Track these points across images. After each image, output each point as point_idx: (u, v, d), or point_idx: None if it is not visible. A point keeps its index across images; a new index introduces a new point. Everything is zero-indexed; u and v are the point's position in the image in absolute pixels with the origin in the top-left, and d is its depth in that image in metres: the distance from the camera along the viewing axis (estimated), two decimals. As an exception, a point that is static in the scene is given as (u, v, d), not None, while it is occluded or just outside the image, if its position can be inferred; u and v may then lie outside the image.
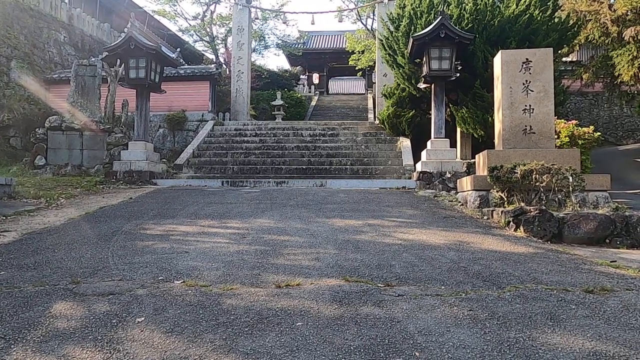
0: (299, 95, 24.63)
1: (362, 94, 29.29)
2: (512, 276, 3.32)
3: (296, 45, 30.02)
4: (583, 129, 8.78)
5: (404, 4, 11.87)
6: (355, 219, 5.75)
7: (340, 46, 29.94)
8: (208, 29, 24.91)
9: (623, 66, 13.91)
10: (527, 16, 9.90)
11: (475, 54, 10.02)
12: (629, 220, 5.01)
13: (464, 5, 10.52)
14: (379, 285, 3.09)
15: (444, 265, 3.62)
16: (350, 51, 25.69)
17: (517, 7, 10.07)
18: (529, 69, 7.12)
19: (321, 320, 2.45)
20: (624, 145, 19.74)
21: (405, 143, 12.07)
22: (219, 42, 25.63)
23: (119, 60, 11.72)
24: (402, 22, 11.27)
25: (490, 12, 10.31)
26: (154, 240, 4.61)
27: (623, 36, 12.78)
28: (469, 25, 10.09)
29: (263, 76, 23.91)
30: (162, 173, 11.19)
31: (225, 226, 5.39)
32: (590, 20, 13.22)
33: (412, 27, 10.83)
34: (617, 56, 14.11)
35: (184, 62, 17.95)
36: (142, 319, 2.49)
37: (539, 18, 9.97)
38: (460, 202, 7.53)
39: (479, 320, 2.47)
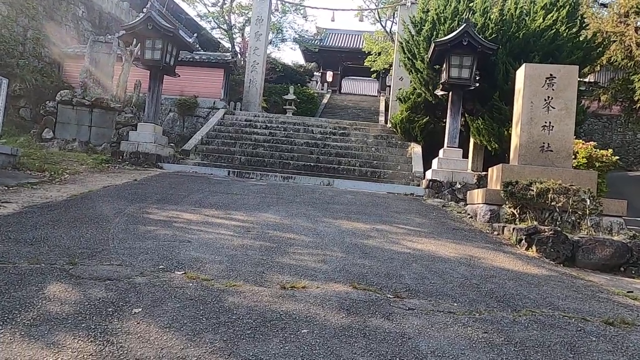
0: (312, 91, 24.47)
1: (375, 96, 29.09)
2: (527, 299, 3.17)
3: (313, 41, 29.86)
4: (601, 151, 8.59)
5: (428, 9, 11.68)
6: (362, 223, 5.60)
7: (357, 46, 29.76)
8: (226, 17, 24.78)
9: (644, 91, 13.68)
10: (553, 31, 9.69)
11: (496, 65, 9.83)
12: (646, 250, 4.83)
13: (489, 14, 10.32)
14: (389, 295, 2.94)
15: (455, 280, 3.47)
16: (366, 52, 25.50)
17: (543, 22, 9.86)
18: (552, 85, 6.94)
19: (328, 329, 2.31)
20: (634, 171, 19.49)
21: (416, 149, 11.89)
22: (236, 31, 25.50)
23: (135, 40, 11.59)
24: (424, 26, 11.08)
25: (515, 24, 10.11)
26: (156, 225, 4.48)
27: (647, 61, 12.55)
28: (493, 36, 9.90)
29: (277, 69, 23.76)
30: (169, 157, 11.07)
31: (230, 217, 5.26)
32: (615, 41, 13.00)
33: (435, 33, 10.64)
34: (639, 80, 13.88)
35: (199, 48, 17.85)
36: (140, 309, 2.36)
37: (564, 34, 9.76)
38: (469, 214, 7.36)
39: (495, 345, 2.32)
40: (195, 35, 17.76)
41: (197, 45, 17.15)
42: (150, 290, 2.65)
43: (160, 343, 2.02)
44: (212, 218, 5.13)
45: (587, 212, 5.63)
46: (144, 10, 10.70)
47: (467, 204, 8.00)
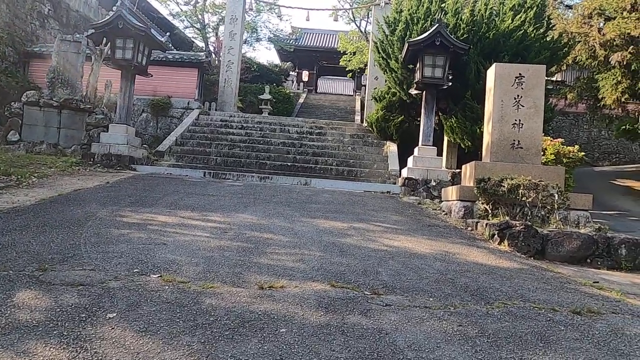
0: (288, 91, 24.42)
1: (351, 95, 29.27)
2: (500, 292, 3.27)
3: (288, 41, 29.78)
4: (568, 147, 8.90)
5: (401, 9, 11.83)
6: (340, 221, 5.64)
7: (332, 45, 29.86)
8: (200, 16, 24.45)
9: (607, 89, 14.24)
10: (521, 32, 9.99)
11: (468, 65, 10.05)
12: (610, 242, 5.04)
13: (460, 15, 10.54)
14: (366, 292, 2.98)
15: (431, 275, 3.54)
16: (341, 51, 25.62)
17: (512, 22, 10.14)
18: (522, 84, 7.15)
19: (306, 328, 2.32)
20: (599, 167, 20.30)
21: (392, 148, 12.04)
22: (210, 30, 25.21)
23: (105, 39, 11.30)
24: (398, 26, 11.23)
25: (486, 25, 10.36)
26: (130, 228, 4.39)
27: (610, 60, 13.06)
28: (465, 36, 10.11)
29: (252, 69, 23.60)
30: (143, 159, 10.84)
31: (207, 219, 5.20)
32: (580, 42, 13.48)
33: (408, 32, 10.80)
34: (602, 79, 14.44)
35: (172, 47, 17.55)
36: (114, 314, 2.31)
37: (532, 35, 10.07)
38: (444, 211, 7.51)
39: (470, 337, 2.39)
40: (167, 34, 17.43)
41: (170, 45, 16.85)
42: (124, 294, 2.60)
43: (136, 347, 1.99)
44: (188, 220, 5.06)
45: (556, 206, 5.84)
46: (114, 8, 10.43)
47: (442, 201, 8.16)
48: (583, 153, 9.34)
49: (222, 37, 18.21)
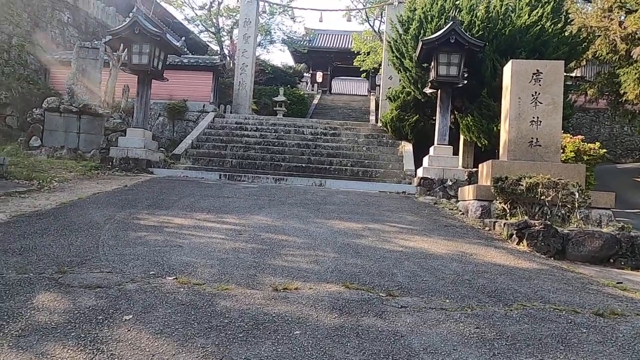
0: (302, 92, 24.48)
1: (365, 95, 29.16)
2: (518, 293, 3.19)
3: (302, 42, 29.84)
4: (589, 145, 8.69)
5: (415, 7, 11.73)
6: (355, 222, 5.61)
7: (346, 46, 29.82)
8: (214, 20, 24.69)
9: (629, 84, 13.84)
10: (538, 27, 9.79)
11: (484, 62, 9.90)
12: (634, 241, 4.89)
13: (475, 12, 10.40)
14: (381, 294, 2.95)
15: (448, 276, 3.49)
16: (355, 52, 25.56)
17: (529, 18, 9.96)
18: (539, 80, 7.01)
19: (321, 330, 2.31)
20: (622, 164, 19.75)
21: (407, 147, 11.94)
22: (225, 33, 25.44)
23: (122, 45, 11.51)
24: (411, 25, 11.13)
25: (501, 21, 10.19)
26: (147, 231, 4.45)
27: (631, 54, 12.70)
28: (480, 33, 9.97)
29: (267, 71, 23.73)
30: (159, 162, 11.00)
31: (222, 221, 5.24)
32: (600, 36, 13.14)
33: (422, 31, 10.70)
34: (624, 74, 14.04)
35: (188, 52, 17.76)
36: (130, 316, 2.34)
37: (550, 30, 9.87)
38: (460, 210, 7.40)
39: (487, 340, 2.33)
40: (183, 38, 17.69)
41: (186, 49, 17.07)
42: (141, 296, 2.63)
43: (152, 350, 2.00)
44: (204, 222, 5.10)
45: (576, 205, 5.69)
46: (130, 15, 10.61)
47: (458, 201, 8.05)
48: (604, 150, 9.10)
49: (236, 40, 18.37)
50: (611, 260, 4.89)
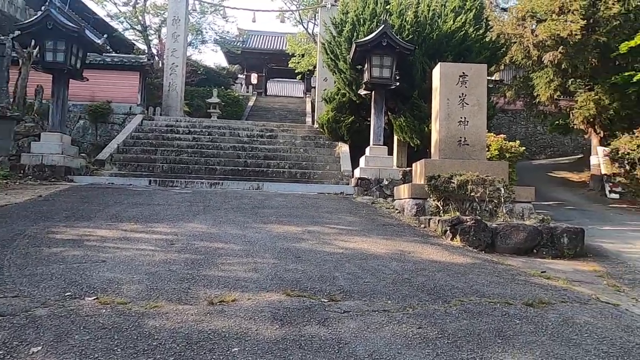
0: (237, 94, 23.96)
1: (301, 97, 29.22)
2: (456, 289, 3.27)
3: (235, 43, 29.21)
4: (510, 143, 9.33)
5: (347, 10, 11.90)
6: (294, 225, 5.50)
7: (281, 48, 29.67)
8: (140, 17, 23.37)
9: (541, 87, 15.15)
10: (462, 33, 10.35)
11: (414, 65, 10.27)
12: (554, 232, 5.28)
13: (405, 16, 10.75)
14: (323, 300, 2.86)
15: (388, 276, 3.49)
16: (290, 54, 25.49)
17: (454, 24, 10.49)
18: (465, 82, 7.37)
19: (261, 345, 2.16)
20: (536, 160, 21.60)
21: (343, 148, 12.07)
22: (152, 32, 24.19)
23: (33, 41, 10.46)
24: (344, 27, 11.28)
25: (429, 26, 10.64)
26: (64, 246, 4.00)
27: (542, 60, 13.88)
28: (410, 37, 10.33)
29: (199, 72, 22.92)
30: (81, 169, 10.13)
31: (152, 231, 4.88)
32: (515, 42, 14.22)
33: (355, 33, 10.87)
34: (537, 78, 15.35)
35: (111, 50, 16.62)
36: (39, 348, 2.03)
37: (473, 36, 10.47)
38: (397, 209, 7.58)
39: (430, 339, 2.33)
40: (105, 36, 16.47)
41: (109, 47, 15.93)
42: (53, 323, 2.31)
43: (65, 385, 1.74)
44: (131, 233, 4.71)
45: (502, 200, 6.04)
46: (43, 8, 9.65)
47: (394, 200, 8.25)
48: (524, 148, 9.82)
49: (165, 39, 17.50)
50: (535, 251, 5.23)
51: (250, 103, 24.73)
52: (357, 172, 10.09)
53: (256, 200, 7.54)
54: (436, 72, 7.59)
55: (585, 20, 12.53)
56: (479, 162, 7.00)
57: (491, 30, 12.52)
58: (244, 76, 31.30)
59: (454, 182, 6.12)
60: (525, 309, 2.90)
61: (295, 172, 11.02)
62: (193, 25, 24.39)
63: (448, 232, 5.40)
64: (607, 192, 13.60)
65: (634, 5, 12.18)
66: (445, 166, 6.78)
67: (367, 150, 10.13)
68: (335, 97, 12.39)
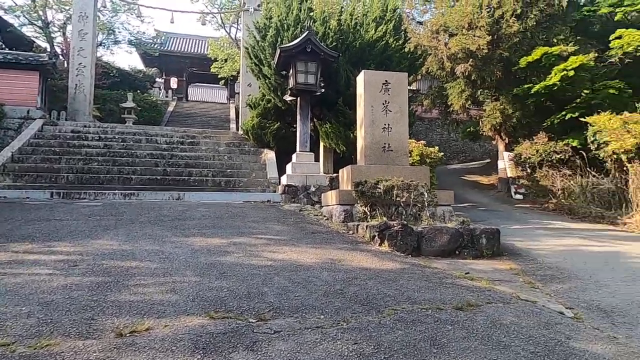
0: (155, 98, 22.65)
1: (225, 103, 28.45)
2: (389, 297, 3.20)
3: (152, 45, 27.65)
4: (430, 149, 9.76)
5: (271, 15, 11.74)
6: (218, 237, 5.15)
7: (202, 52, 28.67)
8: (41, 12, 21.15)
9: (454, 97, 16.24)
10: (383, 42, 10.69)
11: (339, 72, 10.38)
12: (473, 233, 5.53)
13: (328, 24, 10.85)
14: (251, 320, 2.62)
15: (320, 288, 3.33)
16: (212, 58, 24.70)
17: (375, 33, 10.80)
18: (388, 90, 7.55)
19: (179, 382, 1.87)
20: (451, 165, 23.14)
21: (270, 155, 11.83)
22: (56, 29, 22.03)
23: None
24: (268, 32, 11.10)
25: (352, 34, 10.84)
26: None
27: (455, 71, 14.88)
28: (334, 44, 10.43)
29: (112, 74, 21.29)
30: (-36, 181, 8.75)
31: (51, 251, 4.25)
32: (431, 54, 15.09)
33: (279, 39, 10.73)
34: (450, 88, 16.42)
35: (4, 46, 14.77)
36: None
37: (393, 46, 10.86)
38: (325, 216, 7.51)
39: (366, 355, 2.20)
40: (-4, 30, 14.63)
41: (1, 43, 14.15)
42: None
43: None
44: (24, 255, 4.06)
45: (426, 204, 6.23)
46: None
47: (322, 206, 8.19)
48: (442, 153, 10.36)
49: (71, 37, 15.97)
50: (457, 252, 5.43)
51: (170, 108, 23.52)
52: (284, 179, 9.91)
53: (176, 211, 7.02)
54: (360, 79, 7.69)
55: (491, 36, 13.66)
56: (403, 168, 7.19)
57: (409, 42, 13.13)
58: (163, 80, 29.75)
59: (380, 188, 6.19)
60: (455, 314, 2.91)
61: (219, 180, 10.55)
62: (104, 23, 22.65)
63: (376, 237, 5.42)
64: (513, 194, 14.89)
65: (530, 25, 13.51)
66: (371, 172, 6.86)
67: (294, 156, 10.01)
68: (260, 102, 12.12)
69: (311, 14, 11.35)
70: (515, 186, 14.96)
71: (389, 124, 7.46)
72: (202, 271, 3.68)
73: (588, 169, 11.62)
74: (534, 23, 13.47)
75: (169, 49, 29.29)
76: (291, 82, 9.85)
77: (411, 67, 11.36)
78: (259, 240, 5.18)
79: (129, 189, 9.36)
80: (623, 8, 13.87)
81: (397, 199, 6.17)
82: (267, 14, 11.96)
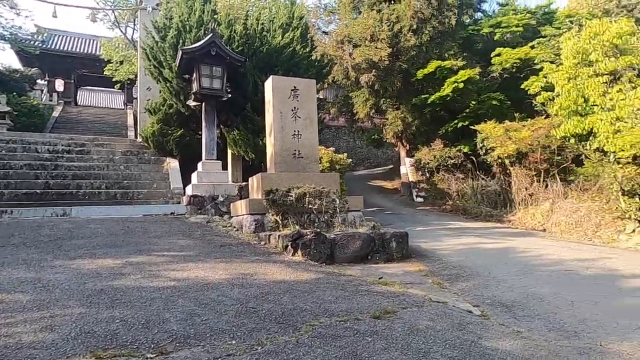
0: (35, 102, 19.99)
1: (121, 108, 26.22)
2: (305, 311, 3.03)
3: (32, 42, 24.45)
4: (339, 155, 9.90)
5: (171, 15, 11.03)
6: (112, 257, 4.54)
7: (93, 52, 26.09)
8: None
9: (359, 105, 16.87)
10: (291, 49, 10.64)
11: (246, 77, 10.08)
12: (384, 237, 5.63)
13: (233, 28, 10.50)
14: (149, 356, 2.25)
15: (231, 309, 3.04)
16: (106, 60, 22.60)
17: (282, 39, 10.70)
18: (297, 96, 7.46)
19: None
20: (357, 171, 24.05)
21: (173, 164, 11.04)
22: None
23: None
24: (169, 32, 10.39)
25: (259, 39, 10.62)
26: None
27: (359, 81, 15.47)
28: (240, 48, 10.10)
29: (-22, 73, 18.32)
30: None
31: None
32: (336, 63, 15.51)
33: (181, 40, 10.10)
34: (355, 97, 17.03)
35: None
36: None
37: (300, 53, 10.86)
38: (235, 227, 7.15)
39: (285, 383, 1.99)
40: None
41: None
42: None
43: None
44: None
45: (338, 210, 6.22)
46: None
47: (232, 217, 7.80)
48: (350, 160, 10.59)
49: None
50: (369, 257, 5.48)
51: (55, 114, 20.98)
52: (189, 190, 9.29)
53: (61, 230, 6.11)
54: (268, 84, 7.50)
55: (391, 49, 14.45)
56: (314, 174, 7.13)
57: (316, 50, 13.30)
58: (46, 82, 26.49)
59: (292, 195, 6.04)
60: (374, 323, 2.83)
61: (114, 192, 9.53)
62: (-33, 14, 19.45)
63: (289, 247, 5.24)
64: (414, 197, 15.85)
65: (425, 40, 14.57)
66: (282, 179, 6.69)
67: (200, 165, 9.44)
68: (162, 108, 11.28)
69: (215, 16, 10.90)
70: (417, 190, 15.95)
71: (298, 131, 7.36)
72: (90, 300, 3.15)
73: (478, 172, 12.80)
74: (429, 38, 14.55)
75: (53, 47, 26.15)
76: (195, 86, 9.30)
77: (318, 75, 11.46)
78: (160, 258, 4.67)
79: (1, 206, 7.99)
80: (500, 29, 15.65)
81: (310, 206, 6.07)
82: (167, 14, 11.21)
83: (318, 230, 5.49)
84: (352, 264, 5.22)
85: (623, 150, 7.33)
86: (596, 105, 8.11)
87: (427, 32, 14.44)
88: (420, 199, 15.57)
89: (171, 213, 8.51)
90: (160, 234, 6.18)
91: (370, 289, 3.79)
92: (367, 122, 19.28)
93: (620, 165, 7.54)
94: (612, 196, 7.83)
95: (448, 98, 14.22)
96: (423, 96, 14.93)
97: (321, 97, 22.38)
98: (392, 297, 3.50)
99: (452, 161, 14.05)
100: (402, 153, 17.32)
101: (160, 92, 11.42)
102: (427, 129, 16.04)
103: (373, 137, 19.48)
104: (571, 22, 12.55)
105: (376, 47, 14.34)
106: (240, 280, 3.86)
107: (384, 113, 17.30)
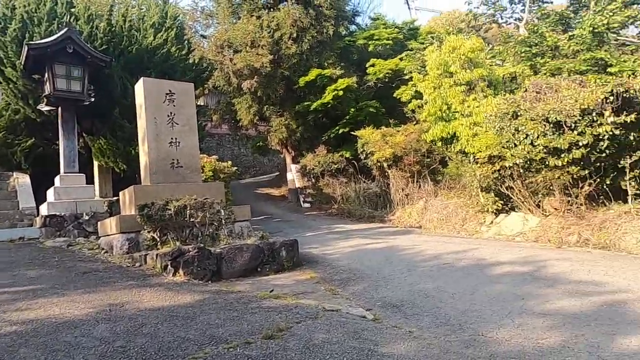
0: None
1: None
2: (188, 341, 2.64)
3: None
4: (223, 163, 9.42)
5: (14, 5, 9.37)
6: None
7: None
8: None
9: (243, 112, 16.49)
10: (165, 50, 9.86)
11: (113, 79, 9.01)
12: (273, 247, 5.41)
13: (95, 24, 9.33)
14: None
15: (92, 352, 2.49)
16: None
17: (155, 40, 9.86)
18: (173, 101, 6.85)
19: None
20: (244, 179, 23.56)
21: (22, 180, 9.33)
22: None
23: None
24: (10, 24, 8.79)
25: (127, 38, 9.61)
26: None
27: (242, 87, 15.10)
28: (104, 47, 9.01)
29: None
30: None
31: None
32: (217, 69, 14.92)
33: (28, 35, 8.62)
34: (238, 104, 16.61)
35: None
36: None
37: (176, 55, 10.14)
38: (104, 249, 6.24)
39: None
40: None
41: None
42: None
43: None
44: None
45: (223, 222, 5.81)
46: None
47: (100, 237, 6.82)
48: (236, 168, 10.17)
49: None
50: (259, 269, 5.20)
51: None
52: (44, 209, 7.91)
53: None
54: (139, 87, 6.76)
55: (273, 55, 14.41)
56: (196, 185, 6.60)
57: (194, 53, 12.59)
58: None
59: (170, 209, 5.46)
60: (267, 345, 2.58)
61: (-62, 217, 7.66)
62: None
63: (169, 266, 4.70)
64: (302, 203, 15.99)
65: (305, 48, 14.85)
66: (159, 191, 6.04)
67: (57, 180, 8.12)
68: (4, 113, 9.46)
69: (72, 9, 9.58)
70: (303, 195, 16.13)
71: (176, 138, 6.75)
72: None
73: (360, 176, 13.41)
74: (309, 47, 14.86)
75: None
76: (48, 89, 8.00)
77: (197, 79, 10.83)
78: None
79: None
80: (373, 41, 16.75)
81: (192, 219, 5.56)
82: (9, 3, 9.50)
83: (202, 245, 5.03)
84: (241, 278, 4.89)
85: (480, 152, 8.28)
86: (457, 111, 9.07)
87: (307, 40, 14.74)
88: (307, 205, 15.77)
89: (20, 238, 7.13)
90: (3, 265, 5.06)
91: (261, 304, 3.53)
92: (251, 129, 18.97)
93: (479, 165, 8.50)
94: (474, 192, 8.79)
95: (329, 105, 14.69)
96: (306, 103, 15.20)
97: (202, 103, 21.40)
98: (285, 312, 3.29)
99: (336, 166, 14.51)
100: (288, 160, 17.39)
101: (1, 94, 9.60)
102: (311, 135, 16.36)
103: (258, 144, 19.23)
104: (432, 37, 13.96)
105: (257, 54, 14.16)
106: (107, 313, 3.26)
107: (268, 120, 17.18)
